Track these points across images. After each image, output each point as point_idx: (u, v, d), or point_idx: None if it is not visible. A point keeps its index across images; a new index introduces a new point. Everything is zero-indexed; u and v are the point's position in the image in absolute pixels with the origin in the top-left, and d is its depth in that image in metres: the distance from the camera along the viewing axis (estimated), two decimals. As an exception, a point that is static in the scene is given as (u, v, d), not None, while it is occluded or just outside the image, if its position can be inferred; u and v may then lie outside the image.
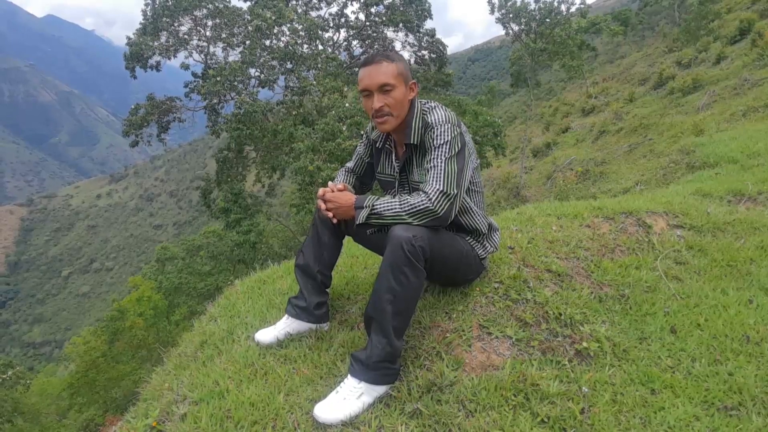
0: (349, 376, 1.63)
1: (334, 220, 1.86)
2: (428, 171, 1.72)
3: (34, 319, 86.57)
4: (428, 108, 1.83)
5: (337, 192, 1.84)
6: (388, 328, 1.59)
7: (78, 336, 20.46)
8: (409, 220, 1.66)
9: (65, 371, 22.74)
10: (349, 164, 2.17)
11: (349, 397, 1.57)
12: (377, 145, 2.04)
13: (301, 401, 1.64)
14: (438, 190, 1.67)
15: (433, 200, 1.65)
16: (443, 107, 1.83)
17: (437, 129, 1.75)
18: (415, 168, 1.90)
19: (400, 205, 1.67)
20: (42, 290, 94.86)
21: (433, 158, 1.73)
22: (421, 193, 1.69)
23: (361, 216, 1.71)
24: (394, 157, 1.99)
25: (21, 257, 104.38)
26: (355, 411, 1.56)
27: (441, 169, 1.69)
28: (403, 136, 1.88)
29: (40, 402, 18.21)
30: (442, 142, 1.73)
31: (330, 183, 1.90)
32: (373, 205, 1.71)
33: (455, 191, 1.68)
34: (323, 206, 1.85)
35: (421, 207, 1.65)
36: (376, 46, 16.59)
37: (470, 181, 1.90)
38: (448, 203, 1.67)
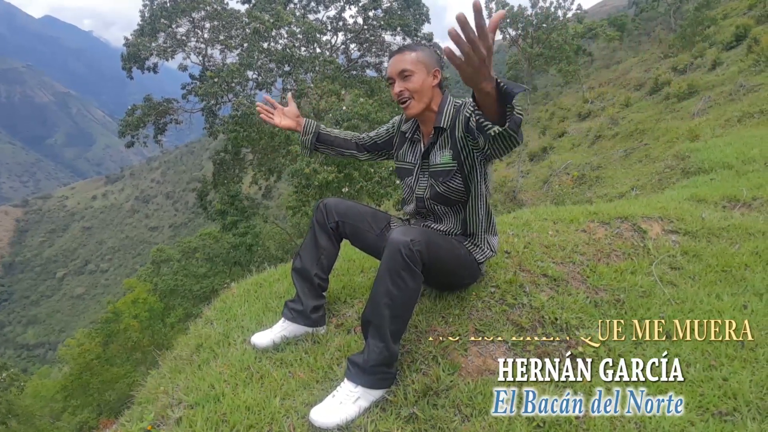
0: (345, 380, 1.63)
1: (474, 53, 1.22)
2: None
3: (28, 320, 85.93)
4: (462, 102, 1.87)
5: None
6: (385, 332, 1.59)
7: (72, 338, 20.35)
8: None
9: (59, 373, 22.59)
10: (358, 134, 2.28)
11: (346, 401, 1.57)
12: (406, 135, 2.07)
13: (297, 405, 1.64)
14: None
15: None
16: None
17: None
18: (437, 152, 1.92)
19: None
20: (36, 292, 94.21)
21: None
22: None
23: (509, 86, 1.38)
24: (421, 145, 2.02)
25: (15, 258, 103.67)
26: (351, 415, 1.56)
27: None
28: (431, 124, 1.93)
29: (34, 404, 18.09)
30: None
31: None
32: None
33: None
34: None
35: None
36: (373, 50, 16.64)
37: (486, 173, 1.93)
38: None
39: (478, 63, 1.24)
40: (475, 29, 1.17)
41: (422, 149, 2.00)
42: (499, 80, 1.37)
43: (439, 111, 1.89)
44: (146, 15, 13.36)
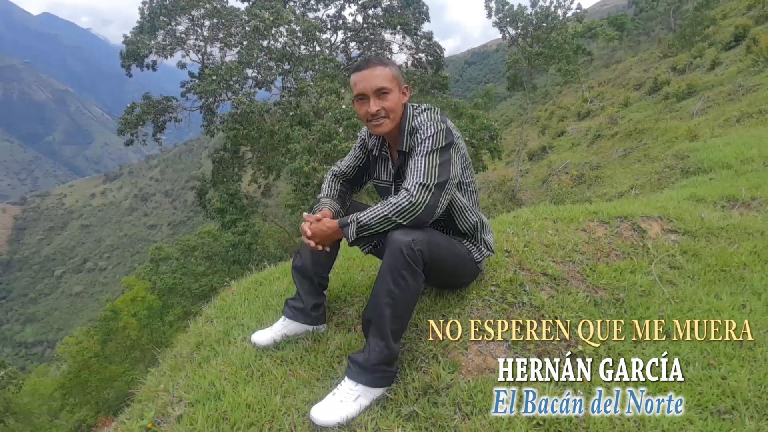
0: (346, 378, 1.63)
1: (321, 248, 1.81)
2: (410, 168, 1.73)
3: (27, 318, 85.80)
4: (417, 113, 1.85)
5: (316, 223, 1.79)
6: (386, 331, 1.60)
7: (70, 336, 20.31)
8: (398, 220, 1.65)
9: (57, 371, 22.56)
10: (336, 168, 2.14)
11: (346, 399, 1.58)
12: (374, 153, 2.05)
13: (298, 403, 1.64)
14: (418, 183, 1.67)
15: (414, 194, 1.65)
16: (430, 109, 1.84)
17: (420, 129, 1.77)
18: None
19: (383, 207, 1.66)
20: (34, 290, 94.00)
21: (415, 154, 1.74)
22: (402, 190, 1.69)
23: (351, 232, 1.69)
24: (390, 164, 1.99)
25: (14, 256, 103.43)
26: (351, 413, 1.56)
27: (420, 164, 1.70)
28: (396, 139, 1.89)
29: (32, 402, 18.06)
30: (424, 138, 1.74)
31: (305, 215, 1.85)
32: (357, 219, 1.68)
33: (435, 181, 1.68)
34: (309, 241, 1.80)
35: (405, 203, 1.64)
36: (373, 48, 16.62)
37: (461, 181, 1.90)
38: (430, 194, 1.66)
39: (324, 240, 1.79)
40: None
41: (392, 169, 1.98)
42: (341, 228, 1.74)
43: (401, 132, 1.86)
44: (146, 12, 13.32)
